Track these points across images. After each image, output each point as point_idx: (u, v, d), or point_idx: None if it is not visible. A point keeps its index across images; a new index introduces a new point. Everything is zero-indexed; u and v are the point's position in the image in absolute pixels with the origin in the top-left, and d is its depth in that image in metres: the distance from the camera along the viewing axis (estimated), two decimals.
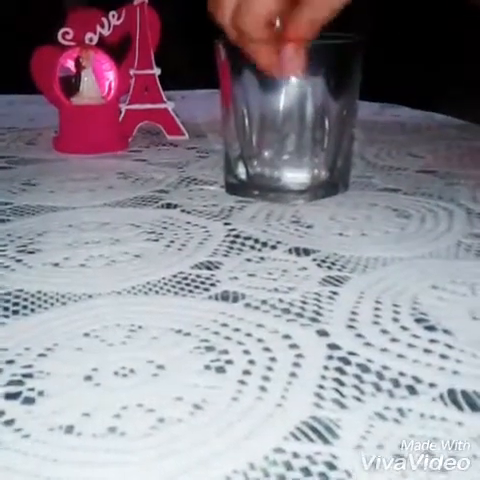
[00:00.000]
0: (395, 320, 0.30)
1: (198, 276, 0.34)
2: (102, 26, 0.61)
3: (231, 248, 0.38)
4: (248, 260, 0.36)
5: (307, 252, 0.37)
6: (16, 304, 0.31)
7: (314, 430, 0.22)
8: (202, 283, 0.33)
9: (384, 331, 0.29)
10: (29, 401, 0.24)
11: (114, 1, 0.63)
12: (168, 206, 0.46)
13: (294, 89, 0.44)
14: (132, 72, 0.63)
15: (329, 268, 0.35)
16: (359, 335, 0.28)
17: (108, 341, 0.28)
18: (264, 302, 0.31)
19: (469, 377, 0.25)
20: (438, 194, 0.48)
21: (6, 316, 0.30)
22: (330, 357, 0.27)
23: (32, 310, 0.31)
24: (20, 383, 0.25)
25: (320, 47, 0.41)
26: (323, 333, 0.28)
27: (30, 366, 0.26)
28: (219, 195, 0.48)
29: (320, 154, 0.46)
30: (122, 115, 0.64)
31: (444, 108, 0.82)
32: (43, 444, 0.22)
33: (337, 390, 0.24)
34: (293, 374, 0.25)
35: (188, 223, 0.42)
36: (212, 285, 0.33)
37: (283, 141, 0.46)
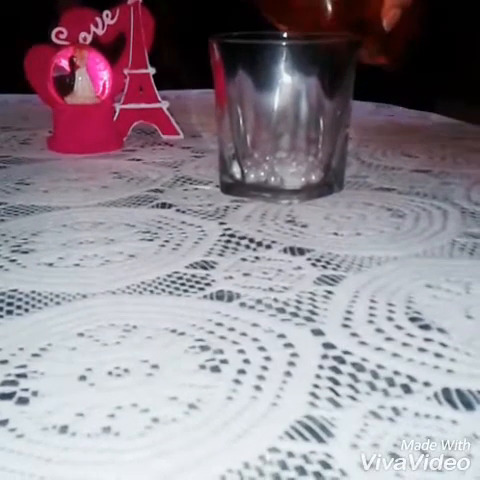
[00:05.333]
0: (390, 319, 0.30)
1: (193, 276, 0.34)
2: (96, 25, 0.61)
3: (226, 247, 0.38)
4: (243, 259, 0.36)
5: (302, 251, 0.37)
6: (10, 304, 0.31)
7: (309, 429, 0.22)
8: (197, 283, 0.33)
9: (379, 330, 0.29)
10: (23, 401, 0.24)
11: (108, 1, 0.63)
12: (163, 206, 0.46)
13: (288, 88, 0.44)
14: (126, 72, 0.63)
15: (324, 267, 0.35)
16: (354, 334, 0.28)
17: (102, 341, 0.28)
18: (259, 301, 0.31)
19: (463, 376, 0.25)
20: (432, 193, 0.48)
21: (0, 316, 0.30)
22: (325, 356, 0.27)
23: (26, 310, 0.31)
24: (14, 383, 0.25)
25: (314, 46, 0.41)
26: (318, 332, 0.28)
27: (24, 366, 0.26)
28: (214, 195, 0.48)
29: (315, 154, 0.46)
30: (116, 115, 0.64)
31: (439, 108, 0.82)
32: (37, 444, 0.22)
33: (332, 389, 0.24)
34: (288, 373, 0.25)
35: (183, 223, 0.42)
36: (207, 285, 0.33)
37: (278, 141, 0.46)
